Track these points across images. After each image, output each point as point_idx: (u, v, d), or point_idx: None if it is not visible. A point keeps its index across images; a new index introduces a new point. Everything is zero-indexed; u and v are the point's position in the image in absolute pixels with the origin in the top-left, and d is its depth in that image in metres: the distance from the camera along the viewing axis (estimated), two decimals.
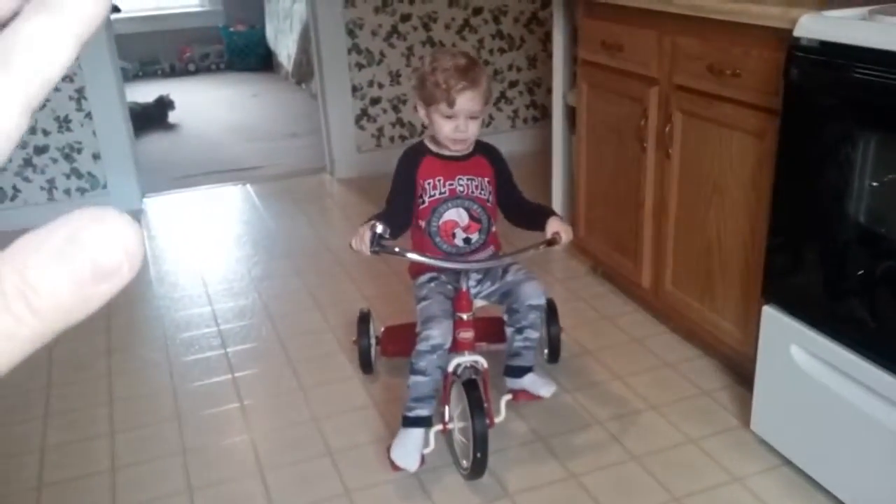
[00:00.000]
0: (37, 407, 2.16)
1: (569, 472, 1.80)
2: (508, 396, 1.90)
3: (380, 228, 1.66)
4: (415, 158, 1.83)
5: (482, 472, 1.73)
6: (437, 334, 1.73)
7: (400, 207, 1.82)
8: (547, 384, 1.93)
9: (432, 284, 1.87)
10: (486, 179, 1.84)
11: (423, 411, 1.76)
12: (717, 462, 1.81)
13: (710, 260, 2.08)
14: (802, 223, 1.66)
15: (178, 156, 4.67)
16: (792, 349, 1.69)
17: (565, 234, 1.74)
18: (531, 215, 1.85)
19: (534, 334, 1.90)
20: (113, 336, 2.53)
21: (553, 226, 1.75)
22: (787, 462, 1.77)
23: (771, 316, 1.75)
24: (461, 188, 1.82)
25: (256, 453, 1.92)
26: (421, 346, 1.74)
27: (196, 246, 3.29)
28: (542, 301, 1.87)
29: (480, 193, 1.83)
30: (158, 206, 3.79)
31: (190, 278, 2.95)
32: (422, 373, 1.74)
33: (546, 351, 2.20)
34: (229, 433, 2.02)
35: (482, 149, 1.86)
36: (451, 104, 1.71)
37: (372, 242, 1.65)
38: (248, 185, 4.02)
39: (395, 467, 1.76)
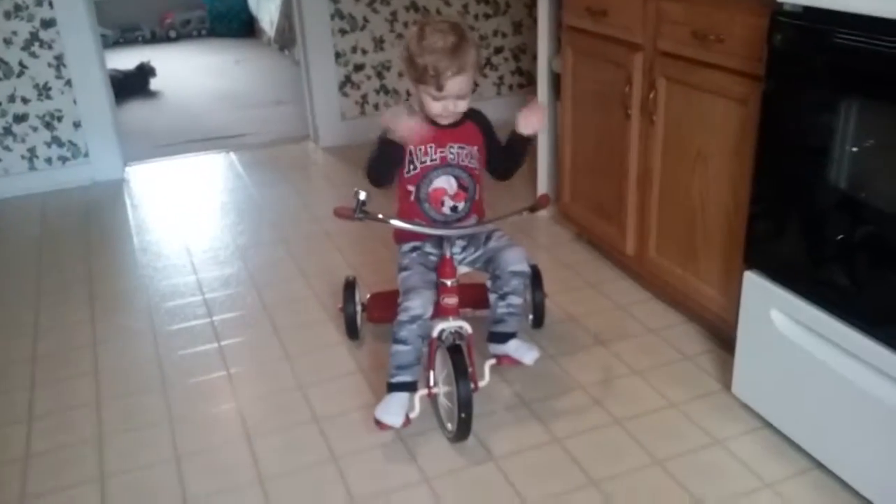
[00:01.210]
0: (21, 377, 2.16)
1: (552, 436, 1.82)
2: (492, 361, 1.92)
3: (362, 195, 1.69)
4: None
5: (467, 434, 1.76)
6: (417, 305, 1.75)
7: (384, 169, 1.84)
8: (530, 350, 1.95)
9: (414, 255, 1.88)
10: (476, 147, 1.86)
11: (405, 377, 1.79)
12: (698, 425, 1.84)
13: (693, 227, 2.09)
14: (784, 189, 1.67)
15: (159, 124, 4.62)
16: (773, 314, 1.71)
17: (536, 118, 1.82)
18: (508, 148, 1.88)
19: (517, 300, 1.91)
20: (96, 305, 2.52)
21: (522, 120, 1.83)
22: (768, 424, 1.80)
23: (752, 281, 1.76)
24: (452, 156, 1.83)
25: (243, 421, 1.94)
26: (401, 317, 1.77)
27: (180, 215, 3.27)
28: (524, 268, 1.88)
29: (469, 162, 1.85)
30: (141, 174, 3.76)
31: (174, 247, 2.94)
32: (403, 342, 1.77)
33: (531, 316, 2.22)
34: (216, 401, 2.03)
35: (471, 115, 1.87)
36: (439, 89, 1.72)
37: (355, 209, 1.69)
38: (232, 154, 3.99)
39: (380, 425, 1.77)
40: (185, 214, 3.27)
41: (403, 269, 1.87)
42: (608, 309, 2.37)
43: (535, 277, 2.18)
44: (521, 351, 1.93)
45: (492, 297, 1.91)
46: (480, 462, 1.76)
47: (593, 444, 1.80)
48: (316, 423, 1.91)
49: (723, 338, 2.11)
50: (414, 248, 1.89)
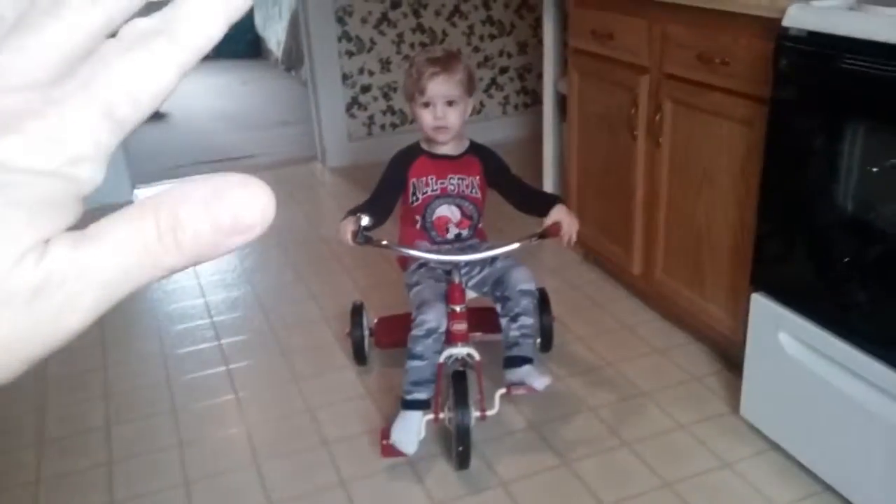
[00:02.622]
0: (32, 400, 2.17)
1: (561, 460, 1.82)
2: (502, 390, 1.89)
3: (365, 221, 1.68)
4: (407, 157, 1.87)
5: (466, 464, 1.77)
6: (432, 318, 1.76)
7: (381, 201, 1.85)
8: (541, 376, 1.91)
9: (422, 270, 1.90)
10: (476, 178, 1.88)
11: (421, 395, 1.78)
12: (707, 447, 1.84)
13: (700, 247, 2.10)
14: (790, 211, 1.68)
15: (168, 145, 4.65)
16: (780, 336, 1.71)
17: (567, 224, 1.74)
18: (535, 203, 1.87)
19: (528, 321, 1.89)
20: (107, 329, 2.53)
21: (554, 215, 1.76)
22: (776, 447, 1.80)
23: (760, 303, 1.77)
24: (452, 187, 1.86)
25: (252, 445, 1.94)
26: (416, 331, 1.77)
27: None
28: (532, 286, 1.88)
29: (471, 192, 1.88)
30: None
31: (183, 270, 2.95)
32: (419, 357, 1.77)
33: (538, 340, 2.21)
34: (225, 425, 2.03)
35: (474, 149, 1.90)
36: (422, 91, 1.76)
37: (356, 235, 1.68)
38: None
39: (386, 451, 1.77)
40: None
41: (413, 285, 1.87)
42: (615, 329, 2.37)
43: (543, 300, 2.18)
44: (533, 377, 1.89)
45: (503, 321, 1.89)
46: (489, 487, 1.76)
47: (602, 466, 1.80)
48: (324, 446, 1.91)
49: (730, 358, 2.11)
50: (421, 265, 1.90)
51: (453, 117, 1.79)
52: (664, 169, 2.18)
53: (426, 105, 1.78)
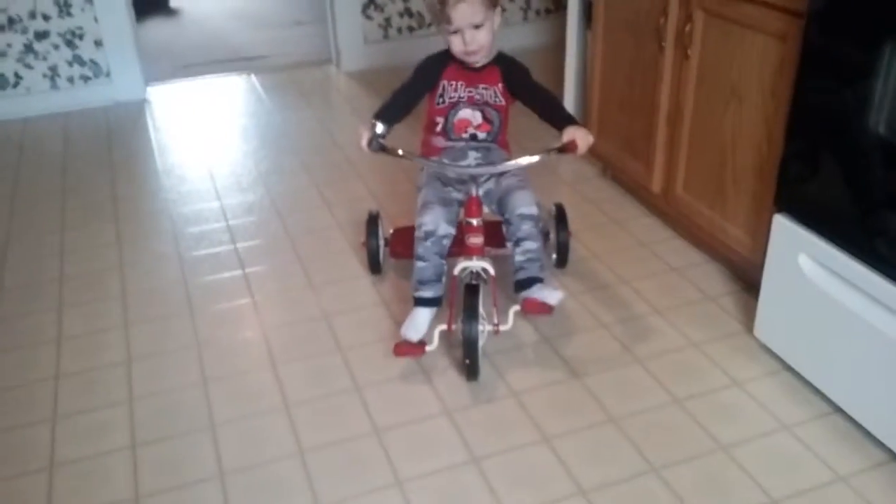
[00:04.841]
0: (50, 298, 2.19)
1: (573, 373, 1.84)
2: (516, 307, 1.87)
3: (380, 129, 1.73)
4: (442, 60, 1.86)
5: (474, 375, 1.80)
6: (429, 220, 1.80)
7: (403, 99, 1.86)
8: (554, 291, 1.89)
9: (431, 172, 1.92)
10: (497, 87, 1.87)
11: (426, 293, 1.83)
12: (719, 366, 1.86)
13: (723, 166, 2.06)
14: (821, 131, 1.63)
15: (180, 44, 4.56)
16: (800, 258, 1.70)
17: (582, 141, 1.72)
18: (554, 117, 1.83)
19: (531, 245, 1.86)
20: (122, 228, 2.54)
21: (569, 133, 1.74)
22: (788, 368, 1.81)
23: (782, 225, 1.74)
24: (478, 96, 1.87)
25: (269, 347, 1.97)
26: (417, 233, 1.82)
27: (202, 138, 3.25)
28: (532, 210, 1.85)
29: (495, 100, 1.88)
30: (163, 95, 3.73)
31: (197, 172, 2.94)
32: (421, 258, 1.82)
33: (554, 256, 2.21)
34: (241, 327, 2.06)
35: (498, 60, 1.88)
36: (448, 21, 1.73)
37: (371, 142, 1.72)
38: (253, 76, 3.94)
39: (398, 350, 1.79)
40: (208, 138, 3.26)
41: (421, 187, 1.92)
42: (632, 246, 2.36)
43: (560, 216, 2.17)
44: (545, 292, 1.89)
45: (509, 244, 1.90)
46: (500, 397, 1.78)
47: (613, 381, 1.82)
48: (339, 352, 1.94)
49: (746, 279, 2.11)
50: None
51: (482, 38, 1.77)
52: (691, 82, 2.12)
53: (454, 32, 1.76)
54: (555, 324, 2.01)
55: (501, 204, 1.88)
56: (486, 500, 1.52)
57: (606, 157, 2.66)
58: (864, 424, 1.62)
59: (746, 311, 2.00)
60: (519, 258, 1.87)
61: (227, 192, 2.77)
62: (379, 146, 1.72)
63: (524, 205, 1.84)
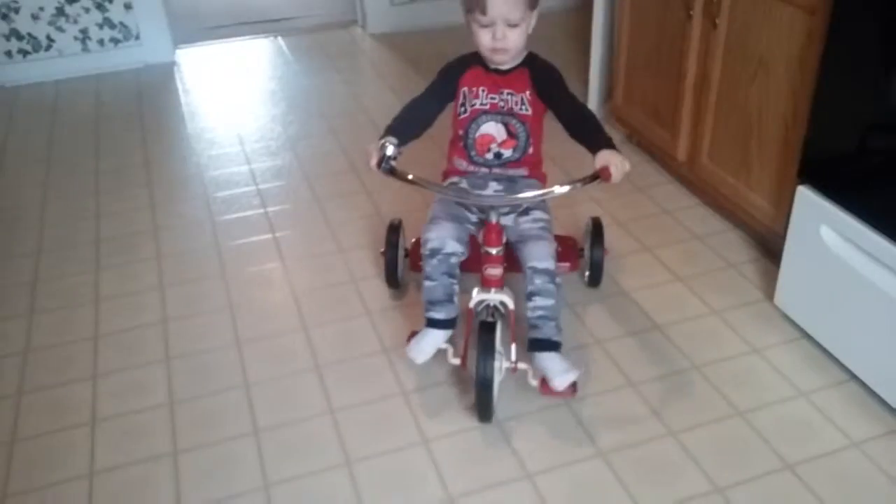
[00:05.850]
0: (87, 261, 2.27)
1: (593, 338, 1.89)
2: (535, 383, 1.69)
3: (390, 150, 1.56)
4: (460, 66, 1.71)
5: (486, 418, 1.66)
6: (434, 237, 1.67)
7: (418, 112, 1.71)
8: (563, 374, 1.63)
9: (445, 185, 1.79)
10: (525, 94, 1.68)
11: (438, 314, 1.70)
12: (738, 333, 1.89)
13: (748, 136, 2.07)
14: (847, 104, 1.64)
15: (208, 6, 4.56)
16: (822, 229, 1.72)
17: (616, 169, 1.51)
18: (586, 134, 1.62)
19: (544, 301, 1.65)
20: (155, 192, 2.60)
21: (602, 158, 1.53)
22: (807, 336, 1.84)
23: (805, 196, 1.76)
24: (502, 103, 1.69)
25: (300, 311, 2.03)
26: (422, 249, 1.70)
27: (231, 101, 3.29)
28: (547, 265, 1.64)
29: (520, 109, 1.69)
30: (191, 58, 3.76)
31: (227, 136, 2.99)
32: (429, 278, 1.70)
33: (587, 273, 2.05)
34: (273, 291, 2.12)
35: (528, 62, 1.69)
36: (483, 10, 1.55)
37: (381, 164, 1.57)
38: (280, 38, 3.96)
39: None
40: (236, 101, 3.30)
41: (435, 199, 1.78)
42: (655, 214, 2.38)
43: (597, 231, 2.01)
44: (553, 372, 1.64)
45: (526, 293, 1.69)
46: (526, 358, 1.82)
47: (633, 347, 1.86)
48: (368, 316, 2.00)
49: (768, 248, 2.13)
50: (450, 183, 1.80)
51: (514, 38, 1.59)
52: (718, 52, 2.12)
53: (485, 25, 1.57)
54: (574, 288, 2.04)
55: (517, 247, 1.70)
56: (507, 461, 1.59)
57: (632, 124, 2.67)
58: (880, 392, 1.66)
59: (767, 279, 2.03)
60: (530, 314, 1.67)
61: (256, 157, 2.81)
62: (389, 168, 1.56)
63: (539, 258, 1.64)
